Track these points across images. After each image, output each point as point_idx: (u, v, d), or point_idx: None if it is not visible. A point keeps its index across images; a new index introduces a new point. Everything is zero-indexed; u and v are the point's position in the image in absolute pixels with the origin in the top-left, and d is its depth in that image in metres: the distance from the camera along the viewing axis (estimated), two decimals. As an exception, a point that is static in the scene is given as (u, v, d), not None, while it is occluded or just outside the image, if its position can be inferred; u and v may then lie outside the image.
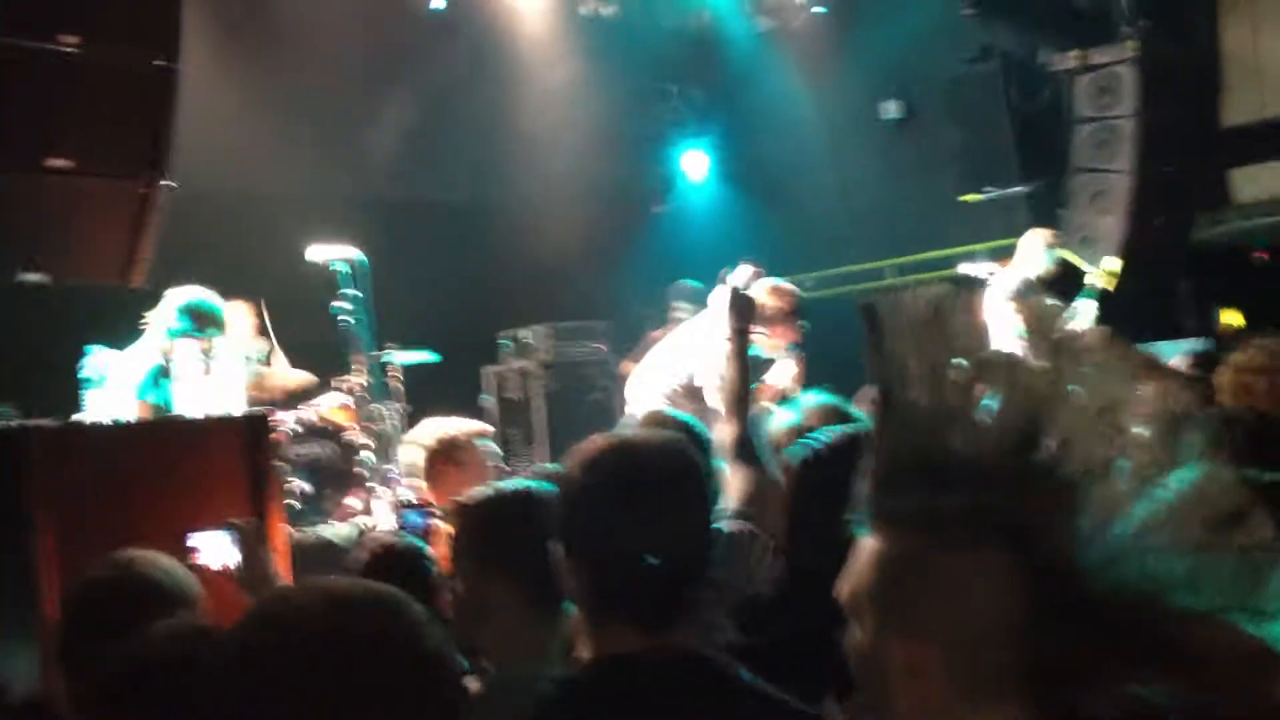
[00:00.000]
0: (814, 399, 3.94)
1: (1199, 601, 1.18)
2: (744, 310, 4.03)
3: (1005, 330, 7.22)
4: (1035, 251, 7.60)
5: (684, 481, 2.03)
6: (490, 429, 4.72)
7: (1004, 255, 8.08)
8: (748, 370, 3.89)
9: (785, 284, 6.26)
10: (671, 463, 2.04)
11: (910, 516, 1.29)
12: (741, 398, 3.75)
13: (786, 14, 11.04)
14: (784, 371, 6.31)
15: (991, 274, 7.78)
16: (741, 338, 3.96)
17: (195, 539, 3.29)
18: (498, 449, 4.75)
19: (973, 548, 1.23)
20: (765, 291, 6.00)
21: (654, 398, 6.25)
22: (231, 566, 3.25)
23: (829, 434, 2.73)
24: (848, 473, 1.40)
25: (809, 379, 6.04)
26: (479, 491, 2.63)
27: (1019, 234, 7.88)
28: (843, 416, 3.57)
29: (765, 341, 5.92)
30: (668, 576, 1.95)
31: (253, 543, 3.29)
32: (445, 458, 4.51)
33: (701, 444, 3.30)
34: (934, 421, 1.30)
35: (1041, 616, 1.20)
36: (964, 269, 8.12)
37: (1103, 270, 7.45)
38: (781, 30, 11.10)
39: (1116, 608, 1.18)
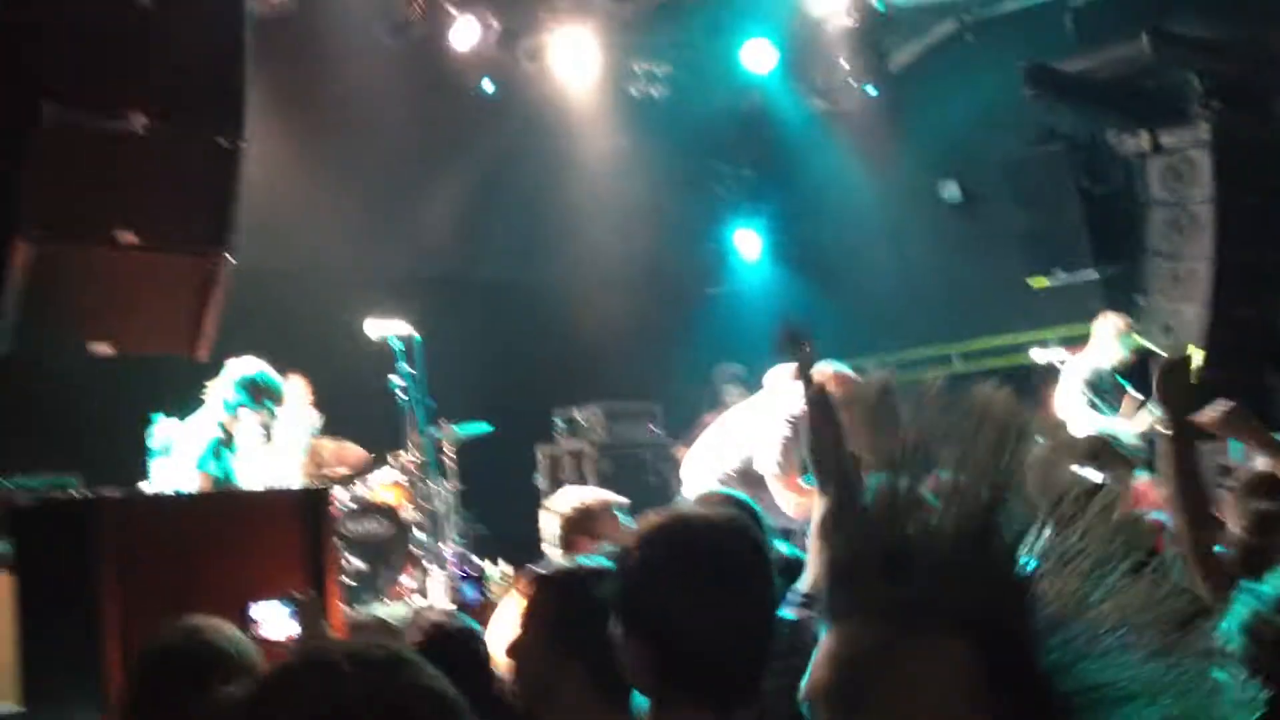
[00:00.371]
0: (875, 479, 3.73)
1: (1159, 711, 1.15)
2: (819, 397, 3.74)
3: (1079, 417, 7.09)
4: (1108, 338, 7.43)
5: (746, 560, 1.97)
6: (627, 501, 4.61)
7: (1075, 341, 7.89)
8: (838, 437, 3.65)
9: (848, 371, 6.09)
10: (733, 541, 1.99)
11: (864, 610, 1.24)
12: (832, 470, 3.54)
13: (840, 94, 11.00)
14: None
15: (1063, 361, 7.61)
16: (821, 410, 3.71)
17: (256, 610, 3.31)
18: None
19: (929, 641, 1.19)
20: (828, 380, 5.84)
21: (709, 481, 6.13)
22: (293, 638, 3.23)
23: None
24: None
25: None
26: (557, 563, 2.54)
27: (1090, 319, 7.72)
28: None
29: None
30: (732, 658, 1.90)
31: (312, 615, 3.27)
32: (580, 527, 4.40)
33: (759, 525, 3.18)
34: (889, 512, 1.25)
35: (1001, 712, 1.16)
36: (1035, 355, 7.94)
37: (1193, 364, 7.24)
38: (835, 110, 11.06)
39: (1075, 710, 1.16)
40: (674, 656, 1.90)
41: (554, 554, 4.52)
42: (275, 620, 3.38)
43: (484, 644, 3.42)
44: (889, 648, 1.20)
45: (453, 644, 3.36)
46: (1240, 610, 2.19)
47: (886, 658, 1.20)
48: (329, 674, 1.29)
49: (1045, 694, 1.16)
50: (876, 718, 1.20)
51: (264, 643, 3.16)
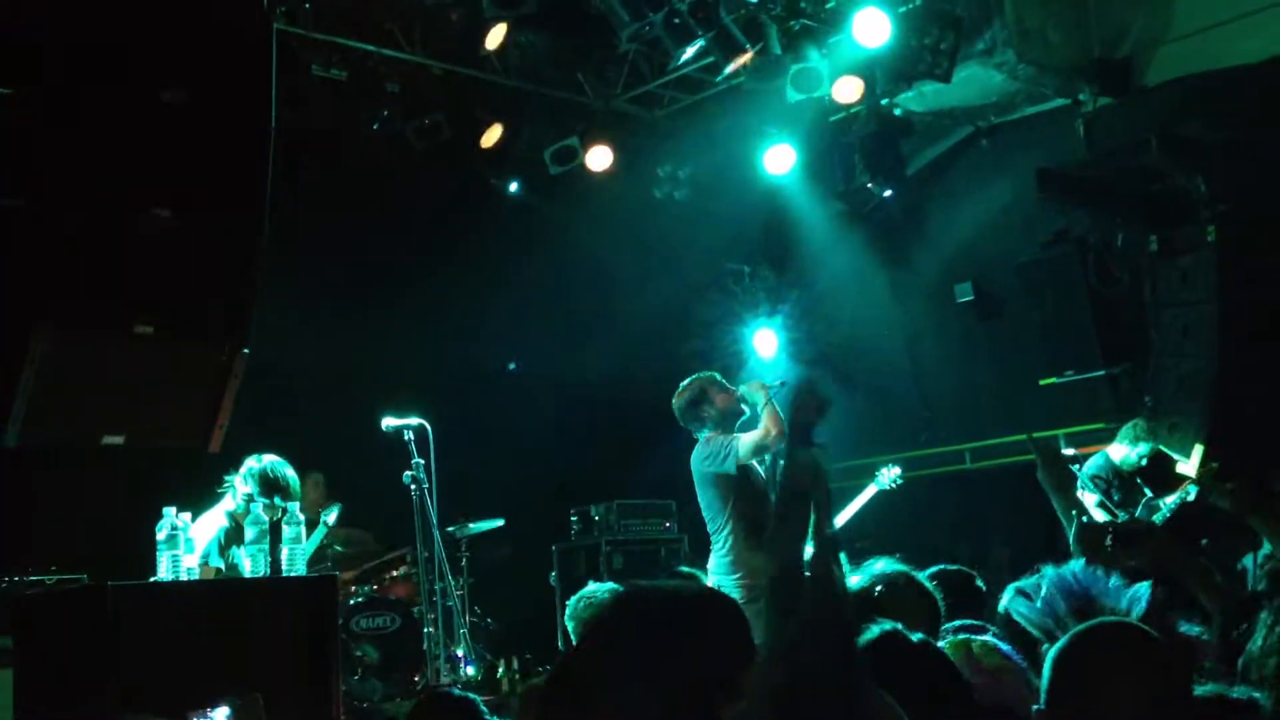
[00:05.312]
0: (883, 565, 3.81)
1: None
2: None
3: (1088, 510, 7.11)
4: (1128, 441, 7.54)
5: (683, 626, 1.94)
6: None
7: (1085, 439, 7.91)
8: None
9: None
10: (668, 611, 1.96)
11: None
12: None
13: (857, 197, 11.10)
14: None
15: (1075, 458, 7.64)
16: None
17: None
18: None
19: None
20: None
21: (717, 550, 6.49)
22: None
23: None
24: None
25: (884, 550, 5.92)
26: None
27: (1102, 418, 7.76)
28: (916, 586, 3.45)
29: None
30: None
31: (252, 716, 3.29)
32: None
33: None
34: None
35: None
36: None
37: (1199, 463, 7.26)
38: (853, 213, 11.17)
39: None
40: None
41: None
42: (218, 723, 3.40)
43: (481, 711, 3.42)
44: None
45: (446, 705, 3.45)
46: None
47: None
48: None
49: None
50: None
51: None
